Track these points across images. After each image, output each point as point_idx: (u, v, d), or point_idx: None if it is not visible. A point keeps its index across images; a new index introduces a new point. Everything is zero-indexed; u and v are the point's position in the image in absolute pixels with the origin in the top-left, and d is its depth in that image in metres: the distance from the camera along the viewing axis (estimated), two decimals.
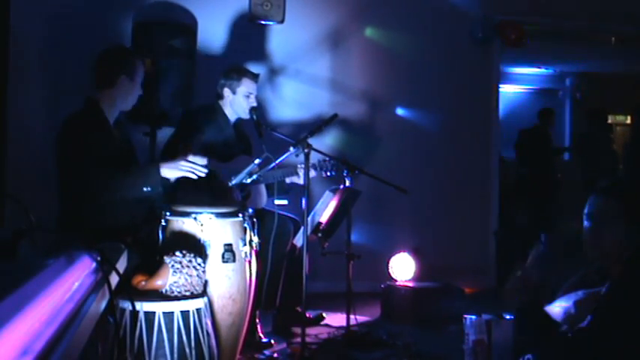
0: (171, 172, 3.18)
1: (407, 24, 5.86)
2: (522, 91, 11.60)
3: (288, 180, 4.19)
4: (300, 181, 4.09)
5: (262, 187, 4.10)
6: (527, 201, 8.10)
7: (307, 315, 4.14)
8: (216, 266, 3.05)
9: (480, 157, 6.12)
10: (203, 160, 3.22)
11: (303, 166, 3.79)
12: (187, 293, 2.81)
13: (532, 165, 8.02)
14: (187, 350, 2.71)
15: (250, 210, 3.32)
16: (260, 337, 3.90)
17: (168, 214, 3.12)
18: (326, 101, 5.63)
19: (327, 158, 4.20)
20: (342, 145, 5.61)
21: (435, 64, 5.93)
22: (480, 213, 6.12)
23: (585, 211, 2.22)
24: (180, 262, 2.81)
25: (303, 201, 3.57)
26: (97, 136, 3.19)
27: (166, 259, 2.83)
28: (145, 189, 3.13)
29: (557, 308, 2.56)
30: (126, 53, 3.45)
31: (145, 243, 3.17)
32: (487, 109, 6.17)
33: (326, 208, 3.86)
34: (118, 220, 3.18)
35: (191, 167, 3.19)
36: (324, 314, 4.55)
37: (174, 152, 3.95)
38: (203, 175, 3.22)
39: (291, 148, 3.62)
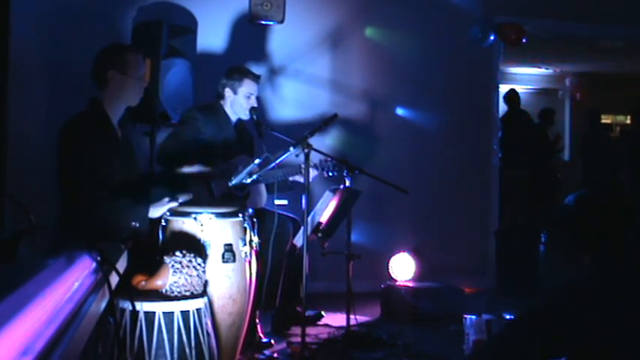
0: (157, 211, 3.15)
1: (407, 24, 5.86)
2: (522, 91, 11.61)
3: (290, 178, 4.19)
4: (302, 179, 4.09)
5: (262, 187, 4.11)
6: (526, 201, 8.09)
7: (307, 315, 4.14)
8: (216, 266, 3.05)
9: (480, 157, 6.12)
10: (187, 197, 3.22)
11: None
12: (187, 293, 2.81)
13: (531, 165, 7.99)
14: (187, 350, 2.71)
15: (250, 210, 3.32)
16: (260, 337, 3.90)
17: (168, 214, 3.12)
18: (326, 101, 5.63)
19: (329, 158, 4.20)
20: (342, 145, 5.61)
21: (435, 64, 5.93)
22: (480, 213, 6.12)
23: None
24: (180, 262, 2.81)
25: (303, 201, 3.57)
26: (97, 137, 3.18)
27: (166, 259, 2.83)
28: (132, 223, 3.11)
29: None
30: (114, 49, 3.37)
31: (145, 243, 3.17)
32: (487, 109, 6.17)
33: (326, 208, 3.85)
34: (118, 222, 3.18)
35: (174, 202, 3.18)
36: (322, 312, 4.54)
37: (171, 150, 3.96)
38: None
39: (291, 148, 3.61)
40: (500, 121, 7.95)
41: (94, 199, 3.11)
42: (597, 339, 1.86)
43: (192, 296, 2.81)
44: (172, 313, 2.71)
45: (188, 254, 2.85)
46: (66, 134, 3.20)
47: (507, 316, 3.74)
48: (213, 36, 5.32)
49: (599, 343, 1.85)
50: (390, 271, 5.24)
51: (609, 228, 2.02)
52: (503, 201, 6.52)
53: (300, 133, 3.77)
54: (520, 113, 8.11)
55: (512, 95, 8.08)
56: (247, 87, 4.11)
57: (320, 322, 4.51)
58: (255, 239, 3.26)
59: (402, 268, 5.23)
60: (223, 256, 3.07)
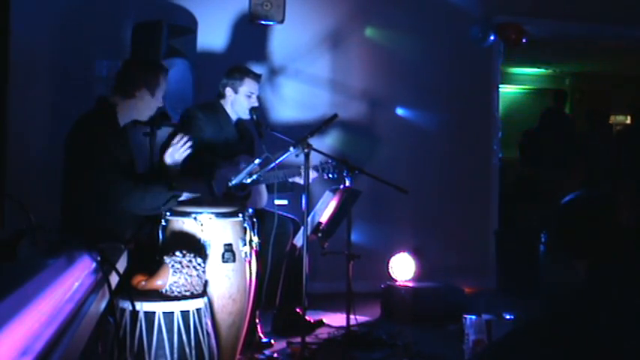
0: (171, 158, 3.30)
1: (407, 24, 5.86)
2: (522, 91, 11.60)
3: (290, 179, 4.19)
4: (302, 181, 4.10)
5: (262, 187, 4.10)
6: (531, 202, 8.07)
7: (308, 318, 4.14)
8: (216, 266, 3.06)
9: (480, 157, 6.11)
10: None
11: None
12: (187, 293, 2.81)
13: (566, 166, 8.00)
14: (187, 350, 2.71)
15: (250, 210, 3.32)
16: (260, 337, 3.90)
17: (168, 214, 3.12)
18: (326, 101, 5.62)
19: (329, 160, 4.20)
20: (342, 145, 5.61)
21: (435, 64, 5.93)
22: (480, 213, 6.12)
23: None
24: (180, 262, 2.81)
25: (303, 201, 3.57)
26: (109, 138, 3.19)
27: (166, 259, 2.83)
28: (161, 206, 3.15)
29: None
30: (152, 67, 3.44)
31: (145, 243, 3.17)
32: (487, 109, 6.17)
33: (326, 208, 3.85)
34: (121, 223, 3.18)
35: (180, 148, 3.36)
36: (324, 320, 4.52)
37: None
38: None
39: (291, 148, 3.62)
40: (542, 117, 7.99)
41: (120, 188, 3.12)
42: (599, 348, 1.85)
43: (192, 296, 2.81)
44: (172, 313, 2.71)
45: (188, 254, 2.85)
46: (78, 132, 3.20)
47: (507, 316, 3.74)
48: (213, 36, 5.32)
49: (601, 352, 1.85)
50: (390, 271, 5.24)
51: (600, 233, 2.00)
52: (516, 200, 6.50)
53: (300, 133, 3.77)
54: (564, 114, 8.17)
55: (562, 95, 8.12)
56: (248, 86, 4.11)
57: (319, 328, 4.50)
58: (255, 239, 3.26)
59: (402, 268, 5.23)
60: (223, 256, 3.07)
